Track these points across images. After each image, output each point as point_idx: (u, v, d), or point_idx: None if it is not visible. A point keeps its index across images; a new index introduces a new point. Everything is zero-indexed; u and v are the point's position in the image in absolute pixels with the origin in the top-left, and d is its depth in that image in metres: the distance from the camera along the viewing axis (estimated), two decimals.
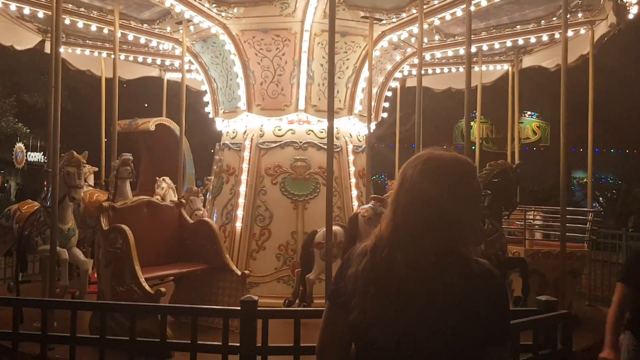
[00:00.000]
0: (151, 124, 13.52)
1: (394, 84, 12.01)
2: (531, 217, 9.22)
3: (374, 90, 9.74)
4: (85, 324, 6.35)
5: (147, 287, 6.28)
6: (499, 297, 2.09)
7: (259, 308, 4.15)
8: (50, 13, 8.17)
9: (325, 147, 6.65)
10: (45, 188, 10.32)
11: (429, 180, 2.10)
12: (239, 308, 4.13)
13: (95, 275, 7.18)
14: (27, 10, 9.42)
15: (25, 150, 34.84)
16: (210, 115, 10.30)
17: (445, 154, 2.17)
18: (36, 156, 37.90)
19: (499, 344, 2.08)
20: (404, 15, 9.08)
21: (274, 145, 9.24)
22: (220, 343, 4.21)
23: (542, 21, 9.70)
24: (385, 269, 2.08)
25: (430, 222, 2.06)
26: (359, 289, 2.12)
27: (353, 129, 9.82)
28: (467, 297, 2.00)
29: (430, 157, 2.15)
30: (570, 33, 9.18)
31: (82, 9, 9.61)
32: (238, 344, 4.11)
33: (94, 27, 9.97)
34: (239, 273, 7.28)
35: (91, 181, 10.87)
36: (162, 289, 6.40)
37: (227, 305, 6.88)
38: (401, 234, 2.10)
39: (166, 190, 10.99)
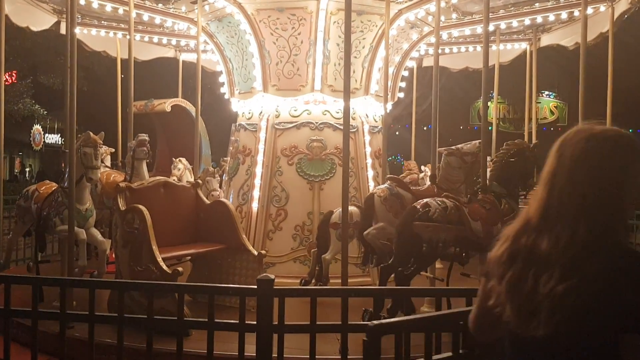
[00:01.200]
0: (167, 104, 13.56)
1: (411, 63, 11.93)
2: None
3: (391, 70, 9.66)
4: (104, 303, 6.41)
5: (164, 267, 6.32)
6: None
7: (275, 287, 4.18)
8: None
9: (342, 127, 6.63)
10: (63, 169, 10.40)
11: (591, 160, 1.99)
12: (256, 287, 4.16)
13: (113, 255, 7.24)
14: None
15: (42, 132, 35.13)
16: (226, 96, 10.30)
17: (607, 130, 2.06)
18: (54, 138, 38.19)
19: None
20: None
21: (290, 125, 9.22)
22: (237, 321, 4.24)
23: None
24: (527, 255, 2.02)
25: (590, 205, 1.97)
26: (497, 273, 2.09)
27: (369, 109, 9.77)
28: (616, 286, 1.89)
29: (592, 135, 2.03)
30: (589, 10, 9.03)
31: None
32: (255, 322, 4.14)
33: (108, 7, 9.97)
34: (256, 253, 7.30)
35: (108, 162, 10.93)
36: (180, 269, 6.44)
37: (244, 284, 6.90)
38: (554, 217, 2.02)
39: (182, 171, 11.04)
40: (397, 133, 28.59)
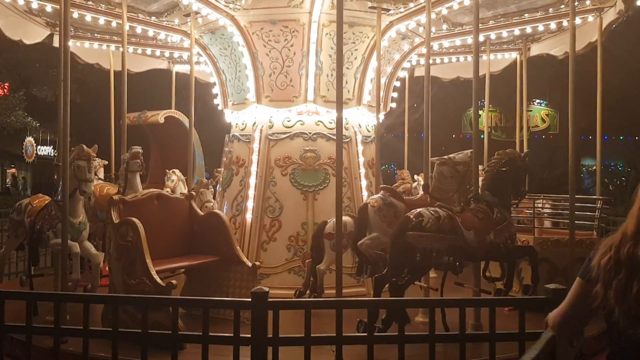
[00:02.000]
0: (160, 116, 13.53)
1: (403, 73, 11.98)
2: (540, 205, 9.20)
3: (383, 80, 9.72)
4: (98, 316, 6.40)
5: (158, 280, 6.31)
6: None
7: (269, 299, 4.19)
8: (58, 7, 8.20)
9: (335, 137, 6.65)
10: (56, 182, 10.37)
11: None
12: (250, 300, 4.17)
13: (107, 268, 7.23)
14: (35, 4, 9.44)
15: (35, 144, 35.03)
16: (220, 107, 10.32)
17: None
18: (46, 150, 37.99)
19: None
20: (411, 5, 9.05)
21: (284, 136, 9.26)
22: (232, 334, 4.25)
23: (550, 9, 9.64)
24: (630, 263, 2.22)
25: None
26: (601, 280, 2.29)
27: (362, 120, 9.81)
28: None
29: None
30: (578, 20, 9.13)
31: (90, 2, 9.59)
32: (249, 335, 4.15)
33: (102, 20, 9.97)
34: (250, 264, 7.31)
35: (101, 174, 10.91)
36: (174, 282, 6.42)
37: (238, 296, 6.92)
38: None
39: (176, 182, 11.02)
40: (400, 144, 28.62)
